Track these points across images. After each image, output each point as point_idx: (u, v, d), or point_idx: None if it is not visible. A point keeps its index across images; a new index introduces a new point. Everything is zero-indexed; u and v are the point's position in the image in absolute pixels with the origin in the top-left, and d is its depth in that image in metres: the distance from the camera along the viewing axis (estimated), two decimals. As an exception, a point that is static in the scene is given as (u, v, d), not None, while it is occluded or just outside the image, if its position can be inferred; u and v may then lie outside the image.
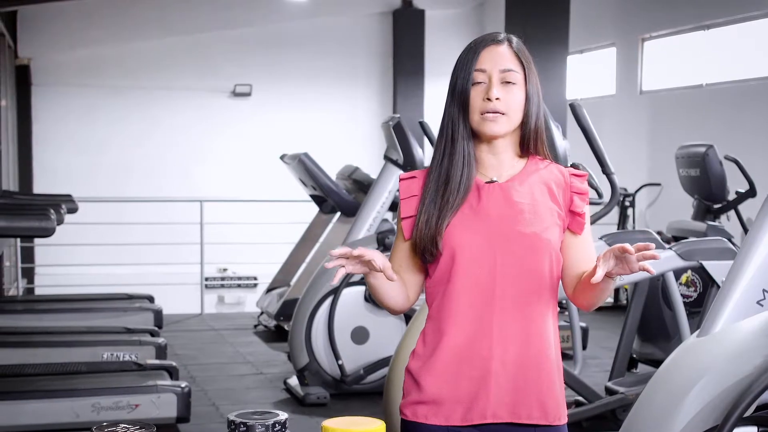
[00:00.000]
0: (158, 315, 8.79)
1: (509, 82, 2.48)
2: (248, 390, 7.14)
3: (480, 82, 2.49)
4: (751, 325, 3.14)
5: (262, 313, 9.78)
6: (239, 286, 14.82)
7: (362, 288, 6.87)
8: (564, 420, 2.52)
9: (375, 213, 7.58)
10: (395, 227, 3.10)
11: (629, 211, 11.45)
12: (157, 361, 6.46)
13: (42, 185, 14.33)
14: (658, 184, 11.57)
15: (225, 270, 14.89)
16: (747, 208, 8.62)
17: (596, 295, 2.47)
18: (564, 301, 6.61)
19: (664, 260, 5.03)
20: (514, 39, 2.56)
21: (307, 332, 6.82)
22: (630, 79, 12.87)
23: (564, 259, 2.55)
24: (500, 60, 2.50)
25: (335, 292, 6.86)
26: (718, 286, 5.05)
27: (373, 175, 8.48)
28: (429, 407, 2.49)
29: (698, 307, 6.41)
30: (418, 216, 2.51)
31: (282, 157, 9.74)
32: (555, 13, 11.08)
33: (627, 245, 2.30)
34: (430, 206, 2.50)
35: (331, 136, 15.50)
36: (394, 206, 7.60)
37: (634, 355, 7.45)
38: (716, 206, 8.11)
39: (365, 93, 16.14)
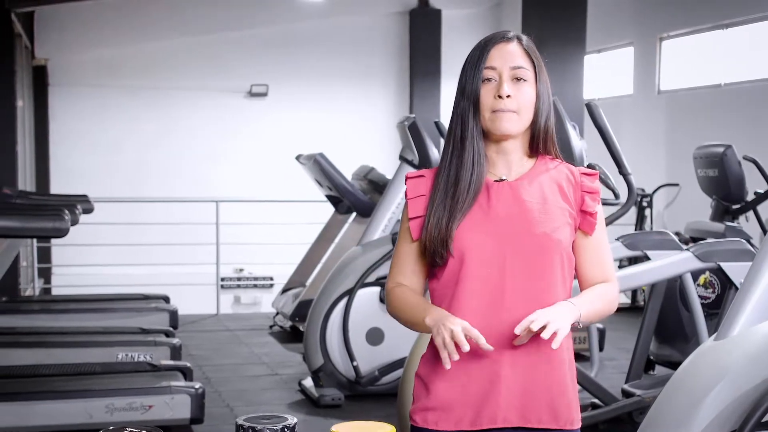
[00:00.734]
0: (173, 315, 8.79)
1: (520, 79, 2.45)
2: (263, 391, 7.12)
3: (490, 80, 2.45)
4: (770, 328, 3.09)
5: (277, 313, 9.76)
6: (255, 286, 14.81)
7: (377, 289, 6.83)
8: (577, 425, 2.48)
9: (390, 214, 7.54)
10: None
11: (647, 212, 11.38)
12: (172, 362, 6.45)
13: (58, 185, 14.35)
14: (676, 185, 11.49)
15: (241, 270, 14.89)
16: (766, 208, 8.54)
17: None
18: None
19: (682, 262, 4.97)
20: (524, 37, 2.52)
21: (322, 333, 6.79)
22: (648, 79, 12.80)
23: (577, 259, 2.51)
24: (510, 57, 2.46)
25: (350, 293, 6.83)
26: (737, 288, 4.99)
27: (389, 176, 8.44)
28: (439, 413, 2.45)
29: (716, 309, 6.35)
30: (427, 217, 2.47)
31: (298, 158, 9.72)
32: (572, 12, 11.02)
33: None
34: (440, 208, 2.45)
35: (347, 136, 15.48)
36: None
37: (652, 357, 7.38)
38: (735, 207, 8.02)
39: (381, 93, 16.10)
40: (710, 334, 5.02)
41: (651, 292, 5.58)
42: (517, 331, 2.31)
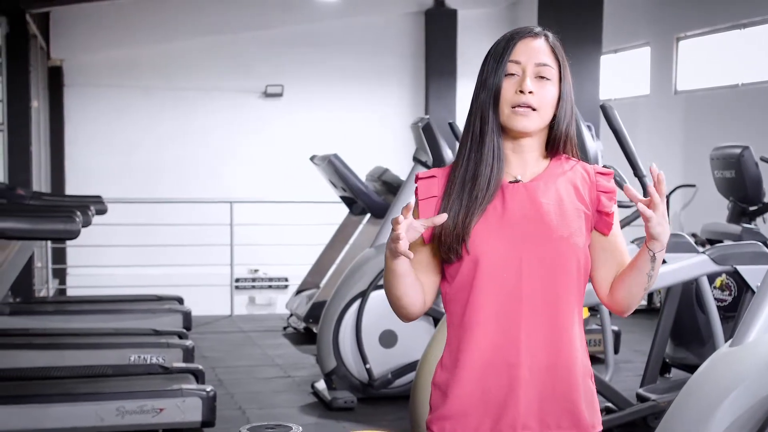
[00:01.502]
0: (187, 317, 8.77)
1: (543, 77, 2.38)
2: (275, 394, 7.08)
3: (513, 74, 2.38)
4: (787, 334, 3.03)
5: (291, 315, 9.73)
6: (270, 287, 14.78)
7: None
8: (598, 427, 2.43)
9: (403, 215, 7.47)
10: None
11: (663, 213, 11.26)
12: (183, 365, 6.42)
13: (74, 186, 14.35)
14: (693, 186, 11.40)
15: (256, 271, 14.86)
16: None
17: (640, 282, 2.37)
18: (597, 305, 6.50)
19: (698, 264, 4.91)
20: (551, 34, 2.45)
21: (335, 335, 6.75)
22: (665, 79, 12.71)
23: (593, 261, 2.44)
24: (536, 53, 2.39)
25: (363, 295, 6.79)
26: (753, 292, 4.93)
27: (403, 177, 8.40)
28: (456, 421, 2.39)
29: (733, 312, 6.28)
30: (441, 210, 2.38)
31: (312, 159, 9.68)
32: (588, 12, 10.97)
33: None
34: (456, 203, 2.38)
35: (363, 136, 15.43)
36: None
37: (668, 360, 7.33)
38: (752, 208, 7.95)
39: (397, 93, 16.05)
40: (727, 337, 4.97)
41: (666, 296, 5.51)
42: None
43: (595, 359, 7.39)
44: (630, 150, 5.06)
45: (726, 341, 5.18)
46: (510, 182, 2.41)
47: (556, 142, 2.44)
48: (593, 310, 7.85)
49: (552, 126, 2.43)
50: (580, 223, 2.39)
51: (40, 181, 12.78)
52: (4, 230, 5.10)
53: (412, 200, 2.45)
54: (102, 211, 8.45)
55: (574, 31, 10.69)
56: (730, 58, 11.61)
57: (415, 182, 2.51)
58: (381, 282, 6.76)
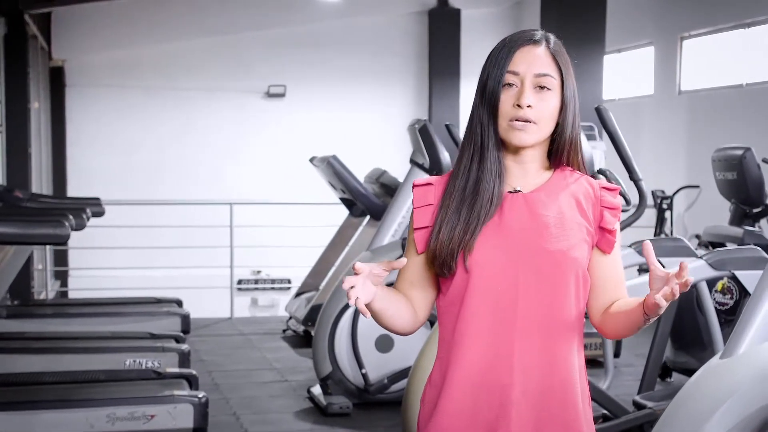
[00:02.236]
0: (185, 319, 8.70)
1: (544, 88, 2.27)
2: (271, 398, 7.01)
3: (511, 85, 2.28)
4: (779, 345, 2.95)
5: (290, 317, 9.66)
6: (273, 288, 14.73)
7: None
8: None
9: (400, 218, 7.40)
10: None
11: (666, 214, 11.20)
12: (177, 370, 6.35)
13: (76, 187, 14.33)
14: (697, 187, 11.32)
15: (259, 272, 14.81)
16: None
17: (631, 328, 2.26)
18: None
19: (695, 270, 4.82)
20: (552, 39, 2.34)
21: (330, 340, 6.68)
22: (668, 79, 12.62)
23: (591, 279, 2.33)
24: (536, 62, 2.28)
25: (359, 299, 6.69)
26: (752, 297, 4.83)
27: (401, 179, 8.32)
28: None
29: (734, 315, 6.19)
30: (437, 226, 2.30)
31: (311, 160, 9.61)
32: (592, 11, 10.93)
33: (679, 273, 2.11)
34: (453, 217, 2.28)
35: (366, 137, 15.37)
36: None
37: (668, 364, 7.24)
38: (754, 211, 7.85)
39: (400, 94, 15.98)
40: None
41: (664, 301, 5.42)
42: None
43: (595, 363, 7.31)
44: (626, 153, 4.97)
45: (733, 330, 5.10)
46: (509, 192, 2.32)
47: (560, 152, 2.34)
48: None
49: (554, 135, 2.33)
50: (580, 237, 2.29)
51: (41, 182, 12.75)
52: (-9, 235, 5.04)
53: (409, 201, 2.37)
54: (99, 214, 8.39)
55: (577, 31, 10.64)
56: (735, 58, 11.52)
57: (412, 190, 2.42)
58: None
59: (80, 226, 6.51)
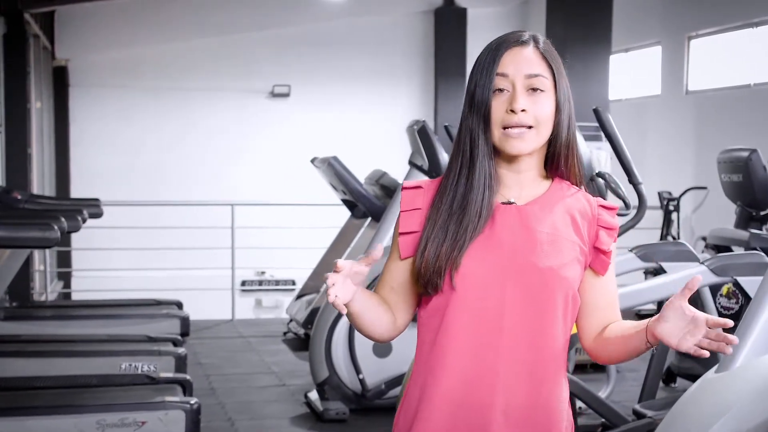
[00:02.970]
0: (185, 322, 8.62)
1: (537, 89, 2.14)
2: (267, 404, 6.90)
3: (502, 90, 2.15)
4: (778, 358, 2.83)
5: (291, 320, 9.56)
6: (277, 289, 14.63)
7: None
8: None
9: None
10: None
11: (673, 216, 11.05)
12: (171, 375, 6.24)
13: (79, 187, 14.26)
14: (704, 188, 11.16)
15: (263, 273, 14.72)
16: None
17: (629, 354, 2.15)
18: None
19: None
20: (541, 39, 2.21)
21: (327, 344, 6.56)
22: (676, 79, 12.48)
23: (582, 301, 2.21)
24: (525, 64, 2.16)
25: (357, 303, 6.58)
26: (755, 304, 4.71)
27: (401, 181, 8.21)
28: None
29: (739, 320, 6.06)
30: (422, 243, 2.16)
31: (313, 161, 9.51)
32: (598, 10, 10.79)
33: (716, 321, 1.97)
34: (440, 233, 2.15)
35: (371, 138, 15.26)
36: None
37: (673, 369, 7.13)
38: (761, 213, 7.72)
39: (406, 93, 15.87)
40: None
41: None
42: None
43: (598, 368, 7.19)
44: (625, 156, 4.85)
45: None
46: (502, 203, 2.19)
47: (556, 158, 2.21)
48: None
49: (550, 140, 2.20)
50: (573, 256, 2.16)
51: (43, 183, 12.67)
52: (-24, 239, 4.95)
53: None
54: (97, 215, 8.31)
55: (584, 30, 10.52)
56: (742, 58, 11.38)
57: (401, 192, 2.29)
58: (374, 289, 6.56)
59: (74, 228, 6.43)
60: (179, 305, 9.24)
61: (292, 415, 6.61)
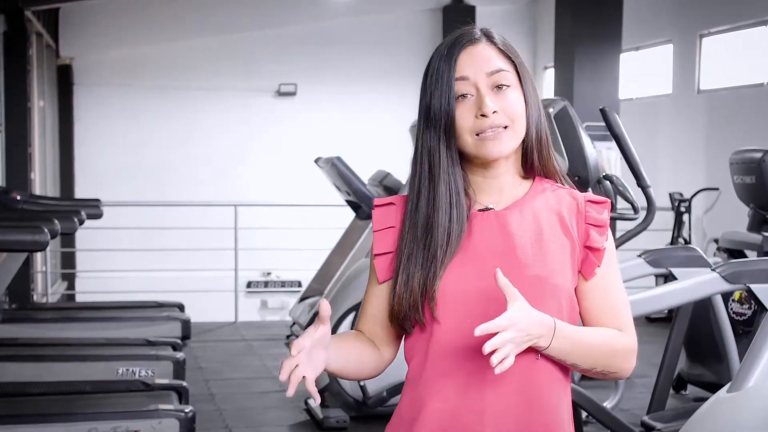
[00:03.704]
0: (186, 325, 8.49)
1: (502, 86, 1.97)
2: (267, 410, 6.74)
3: (465, 95, 1.97)
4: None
5: (294, 323, 9.39)
6: (283, 290, 14.47)
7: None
8: None
9: (401, 223, 7.12)
10: None
11: (685, 218, 10.87)
12: (167, 381, 6.10)
13: (83, 187, 14.13)
14: (716, 189, 10.97)
15: (269, 274, 14.57)
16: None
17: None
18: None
19: (708, 283, 4.51)
20: (494, 32, 2.04)
21: (328, 350, 6.39)
22: (687, 78, 12.28)
23: (579, 308, 2.03)
24: (484, 61, 1.98)
25: (357, 308, 6.43)
26: (768, 312, 4.53)
27: (404, 182, 8.05)
28: None
29: (752, 327, 5.89)
30: (395, 272, 2.00)
31: (316, 161, 9.35)
32: (608, 8, 10.63)
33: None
34: (410, 264, 1.98)
35: (378, 137, 15.07)
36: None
37: (683, 376, 6.96)
38: (775, 216, 7.52)
39: (413, 93, 15.58)
40: (743, 355, 4.60)
41: (676, 316, 5.11)
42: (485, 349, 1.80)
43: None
44: (633, 158, 4.66)
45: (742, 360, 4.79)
46: (480, 210, 2.02)
47: (530, 154, 2.04)
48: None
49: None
50: (563, 261, 1.98)
51: (46, 182, 12.53)
52: (-38, 242, 4.80)
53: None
54: (96, 216, 8.18)
55: (594, 28, 10.37)
56: (756, 56, 11.17)
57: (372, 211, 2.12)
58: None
59: (69, 230, 6.28)
60: (181, 307, 9.12)
61: (291, 422, 6.45)
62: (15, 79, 9.90)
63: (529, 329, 1.85)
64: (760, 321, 4.93)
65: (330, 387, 6.36)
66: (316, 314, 7.65)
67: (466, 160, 2.04)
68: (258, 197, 13.53)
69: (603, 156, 9.00)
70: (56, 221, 5.45)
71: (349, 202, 9.21)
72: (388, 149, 14.41)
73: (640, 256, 5.06)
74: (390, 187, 8.33)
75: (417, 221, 2.01)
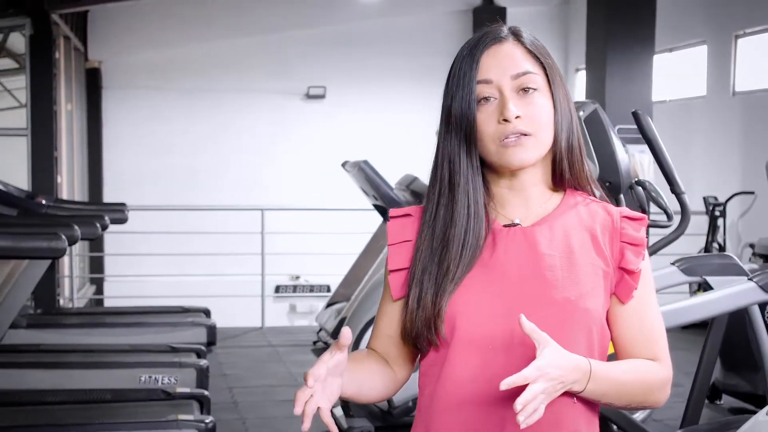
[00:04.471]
0: (212, 330, 8.39)
1: (528, 89, 1.82)
2: (290, 420, 6.61)
3: (488, 99, 1.82)
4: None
5: (321, 329, 9.28)
6: (312, 295, 14.36)
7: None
8: None
9: (427, 229, 6.98)
10: None
11: (719, 222, 10.66)
12: (188, 390, 5.98)
13: (112, 191, 14.08)
14: (752, 193, 10.76)
15: (297, 278, 14.48)
16: None
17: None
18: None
19: (743, 294, 4.34)
20: (524, 31, 1.89)
21: (352, 359, 6.26)
22: (722, 79, 12.05)
23: (611, 333, 1.87)
24: (509, 63, 1.83)
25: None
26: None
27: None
28: None
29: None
30: (408, 287, 1.86)
31: (344, 165, 9.24)
32: (641, 9, 10.46)
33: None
34: (424, 278, 1.84)
35: (407, 140, 14.90)
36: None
37: (718, 386, 6.77)
38: (813, 221, 7.34)
39: (441, 95, 15.52)
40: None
41: (710, 327, 4.94)
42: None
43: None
44: (666, 163, 4.48)
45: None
46: (505, 226, 1.87)
47: (560, 164, 1.87)
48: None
49: (552, 145, 1.87)
50: (595, 283, 1.82)
51: (74, 186, 12.49)
52: (-23, 249, 4.71)
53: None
54: (121, 220, 8.08)
55: (626, 29, 10.21)
56: (792, 57, 10.96)
57: (388, 222, 1.98)
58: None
59: (90, 236, 6.20)
60: (207, 313, 9.02)
61: (315, 432, 6.31)
62: (40, 83, 9.84)
63: (563, 377, 1.69)
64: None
65: (354, 396, 6.22)
66: (342, 321, 7.50)
67: (490, 171, 1.89)
68: (285, 201, 13.43)
69: (635, 160, 8.82)
70: (76, 227, 5.35)
71: (376, 207, 9.09)
72: (416, 153, 14.19)
73: (673, 263, 4.88)
74: (417, 192, 8.21)
75: (434, 233, 1.87)
